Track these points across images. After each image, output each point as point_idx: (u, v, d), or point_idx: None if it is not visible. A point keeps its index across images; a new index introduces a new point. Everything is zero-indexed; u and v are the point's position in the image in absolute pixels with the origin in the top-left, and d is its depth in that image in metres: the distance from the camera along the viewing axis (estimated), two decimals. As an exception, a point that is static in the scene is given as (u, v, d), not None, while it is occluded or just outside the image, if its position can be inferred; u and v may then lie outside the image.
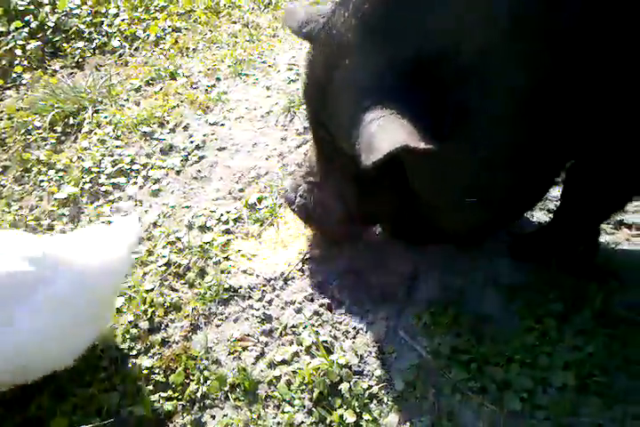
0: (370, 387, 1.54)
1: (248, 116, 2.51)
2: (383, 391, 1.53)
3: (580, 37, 1.13)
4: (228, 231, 2.04)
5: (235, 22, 3.39)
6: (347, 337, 1.67)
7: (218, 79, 2.82)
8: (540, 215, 1.94)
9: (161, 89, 2.84)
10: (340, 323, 1.70)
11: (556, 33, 1.13)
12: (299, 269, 1.86)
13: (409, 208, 1.55)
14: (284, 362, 1.63)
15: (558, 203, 1.91)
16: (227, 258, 1.95)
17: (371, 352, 1.62)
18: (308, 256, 1.89)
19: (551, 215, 1.92)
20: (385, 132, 1.13)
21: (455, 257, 1.79)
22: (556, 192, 1.94)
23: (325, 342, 1.64)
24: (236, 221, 2.07)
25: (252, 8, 3.53)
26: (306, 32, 1.55)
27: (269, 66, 2.84)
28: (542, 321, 1.56)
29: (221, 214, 2.10)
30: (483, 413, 1.44)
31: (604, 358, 1.47)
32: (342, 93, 1.31)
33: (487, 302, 1.65)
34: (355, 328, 1.68)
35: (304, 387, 1.56)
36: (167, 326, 1.80)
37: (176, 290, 1.89)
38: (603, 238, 1.78)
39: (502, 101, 1.22)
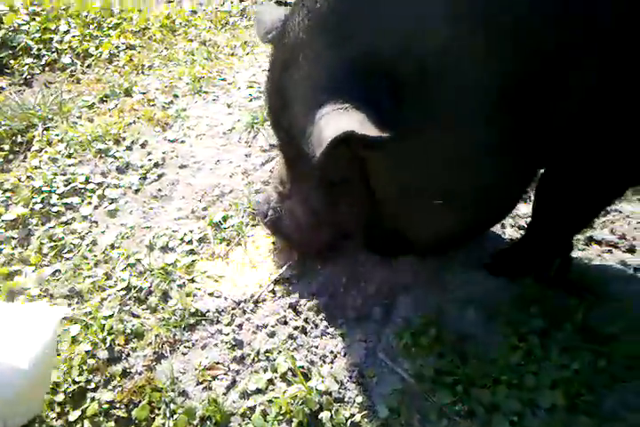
0: (352, 415, 1.45)
1: (210, 133, 2.42)
2: (366, 419, 1.44)
3: (542, 39, 1.12)
4: (192, 252, 1.94)
5: (191, 40, 3.32)
6: (324, 362, 1.58)
7: (175, 96, 2.73)
8: (510, 232, 1.92)
9: (116, 106, 2.73)
10: (317, 347, 1.61)
11: (516, 32, 1.11)
12: (270, 291, 1.77)
13: (376, 215, 1.49)
14: (258, 391, 1.53)
15: (529, 219, 1.90)
16: (192, 280, 1.84)
17: (351, 377, 1.53)
18: (279, 277, 1.80)
19: (522, 232, 1.91)
20: (332, 122, 1.10)
21: (433, 274, 1.74)
22: (525, 209, 1.95)
23: (302, 367, 1.55)
24: (200, 241, 1.97)
25: (209, 27, 3.48)
26: (270, 38, 1.52)
27: (229, 83, 2.78)
28: (526, 339, 1.51)
29: (184, 234, 1.99)
30: (471, 438, 1.37)
31: (590, 376, 1.44)
32: (298, 94, 1.28)
33: (468, 320, 1.60)
34: (332, 352, 1.60)
35: (281, 417, 1.45)
36: (128, 355, 1.66)
37: (137, 316, 1.77)
38: (575, 254, 1.77)
39: (463, 100, 1.20)
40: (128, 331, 1.70)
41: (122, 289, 1.84)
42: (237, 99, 2.63)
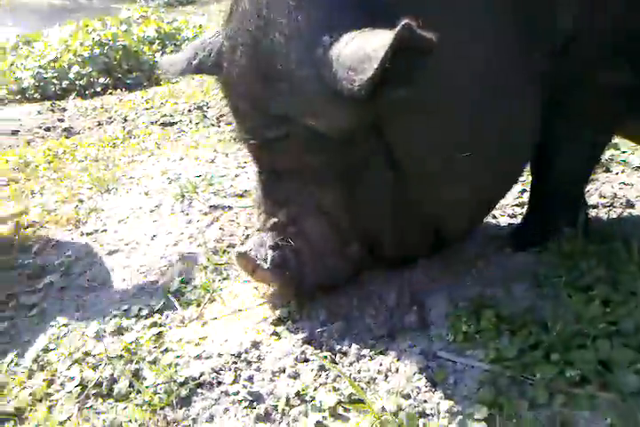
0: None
1: (134, 215, 2.12)
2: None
3: None
4: (155, 324, 1.54)
5: (81, 161, 3.09)
6: (376, 383, 1.21)
7: (81, 201, 2.42)
8: (504, 220, 1.76)
9: (6, 229, 2.34)
10: (359, 372, 1.25)
11: None
12: (272, 334, 1.41)
13: (403, 200, 1.28)
14: (309, 440, 1.11)
15: (516, 208, 1.79)
16: (165, 351, 1.42)
17: (419, 388, 1.17)
18: (277, 316, 1.45)
19: (513, 220, 1.76)
20: (372, 37, 0.98)
21: (451, 271, 1.49)
22: (510, 198, 1.83)
23: (353, 394, 1.17)
24: (161, 311, 1.58)
25: (98, 150, 3.28)
26: (198, 62, 1.39)
27: (139, 178, 2.53)
28: (593, 288, 1.28)
29: (139, 309, 1.60)
30: (601, 404, 1.05)
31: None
32: (294, 50, 1.13)
33: (519, 294, 1.35)
34: (379, 371, 1.24)
35: (357, 457, 1.04)
36: (109, 457, 1.18)
37: (104, 412, 1.30)
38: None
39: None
40: (99, 428, 1.23)
41: (76, 387, 1.38)
42: (154, 186, 2.38)
